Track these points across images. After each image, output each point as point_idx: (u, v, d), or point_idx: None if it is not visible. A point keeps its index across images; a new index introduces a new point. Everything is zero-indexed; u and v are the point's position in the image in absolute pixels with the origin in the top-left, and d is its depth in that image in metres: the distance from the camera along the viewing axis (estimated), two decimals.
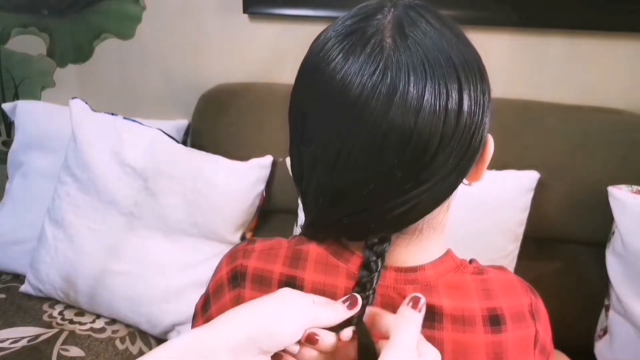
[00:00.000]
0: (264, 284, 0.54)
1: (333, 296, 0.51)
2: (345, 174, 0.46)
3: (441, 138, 0.44)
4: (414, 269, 0.51)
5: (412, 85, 0.43)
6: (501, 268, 0.56)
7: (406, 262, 0.52)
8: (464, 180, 0.50)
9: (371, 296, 0.49)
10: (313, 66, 0.47)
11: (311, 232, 0.53)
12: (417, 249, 0.52)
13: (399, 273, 0.51)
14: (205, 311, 0.58)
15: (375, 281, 0.49)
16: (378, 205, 0.46)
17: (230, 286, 0.56)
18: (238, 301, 0.54)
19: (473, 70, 0.46)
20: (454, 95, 0.44)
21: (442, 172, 0.46)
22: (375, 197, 0.46)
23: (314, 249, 0.54)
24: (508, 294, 0.52)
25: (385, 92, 0.43)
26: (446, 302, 0.50)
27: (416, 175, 0.45)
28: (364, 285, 0.49)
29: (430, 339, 0.48)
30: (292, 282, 0.53)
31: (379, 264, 0.50)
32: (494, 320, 0.50)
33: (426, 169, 0.45)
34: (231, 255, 0.58)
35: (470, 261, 0.55)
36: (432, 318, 0.49)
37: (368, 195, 0.46)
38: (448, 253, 0.54)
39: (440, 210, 0.51)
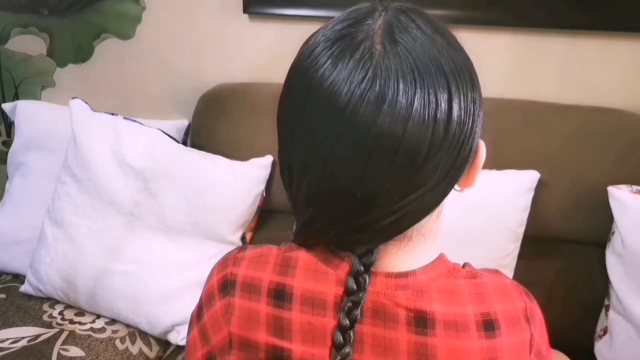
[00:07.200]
0: (254, 292, 0.53)
1: (323, 303, 0.51)
2: (333, 182, 0.45)
3: (429, 147, 0.43)
4: (404, 275, 0.51)
5: (401, 93, 0.42)
6: (495, 272, 0.56)
7: (396, 267, 0.51)
8: (456, 187, 0.50)
9: (359, 315, 0.48)
10: (302, 71, 0.47)
11: (301, 238, 0.53)
12: (407, 255, 0.51)
13: (390, 278, 0.50)
14: (199, 320, 0.58)
15: (363, 299, 0.48)
16: (365, 214, 0.45)
17: (221, 294, 0.56)
18: (228, 309, 0.54)
19: (464, 78, 0.45)
20: (443, 104, 0.43)
21: (431, 181, 0.45)
22: (362, 207, 0.45)
23: (303, 256, 0.53)
24: (502, 298, 0.51)
25: (373, 100, 0.42)
26: (438, 307, 0.49)
27: (404, 184, 0.44)
28: (354, 303, 0.48)
29: (422, 346, 0.48)
30: (281, 290, 0.52)
31: (367, 279, 0.49)
32: (488, 325, 0.49)
33: (414, 178, 0.44)
34: (222, 263, 0.58)
35: (464, 265, 0.54)
36: (424, 324, 0.49)
37: (355, 204, 0.45)
38: (440, 257, 0.53)
39: (430, 218, 0.50)
